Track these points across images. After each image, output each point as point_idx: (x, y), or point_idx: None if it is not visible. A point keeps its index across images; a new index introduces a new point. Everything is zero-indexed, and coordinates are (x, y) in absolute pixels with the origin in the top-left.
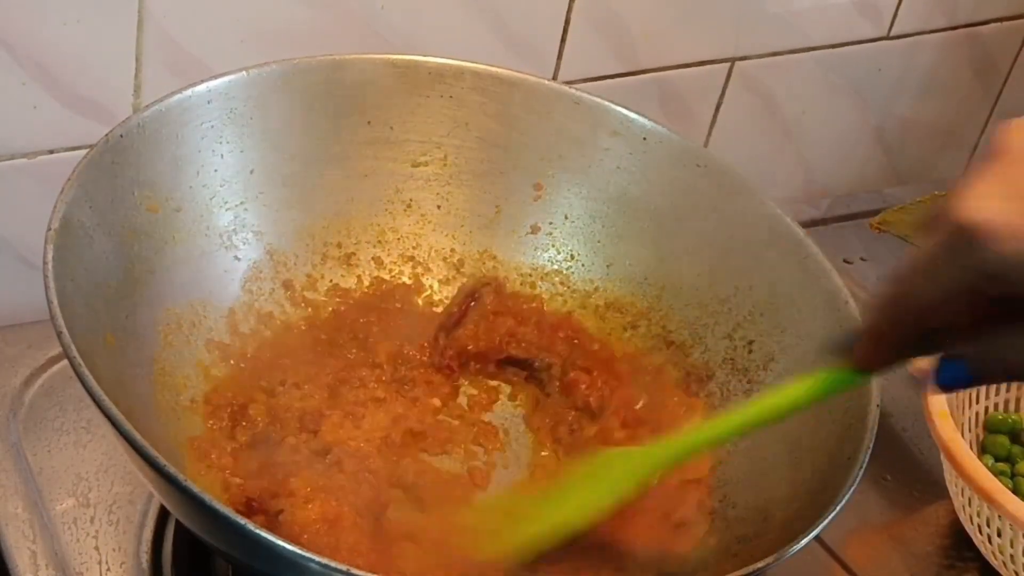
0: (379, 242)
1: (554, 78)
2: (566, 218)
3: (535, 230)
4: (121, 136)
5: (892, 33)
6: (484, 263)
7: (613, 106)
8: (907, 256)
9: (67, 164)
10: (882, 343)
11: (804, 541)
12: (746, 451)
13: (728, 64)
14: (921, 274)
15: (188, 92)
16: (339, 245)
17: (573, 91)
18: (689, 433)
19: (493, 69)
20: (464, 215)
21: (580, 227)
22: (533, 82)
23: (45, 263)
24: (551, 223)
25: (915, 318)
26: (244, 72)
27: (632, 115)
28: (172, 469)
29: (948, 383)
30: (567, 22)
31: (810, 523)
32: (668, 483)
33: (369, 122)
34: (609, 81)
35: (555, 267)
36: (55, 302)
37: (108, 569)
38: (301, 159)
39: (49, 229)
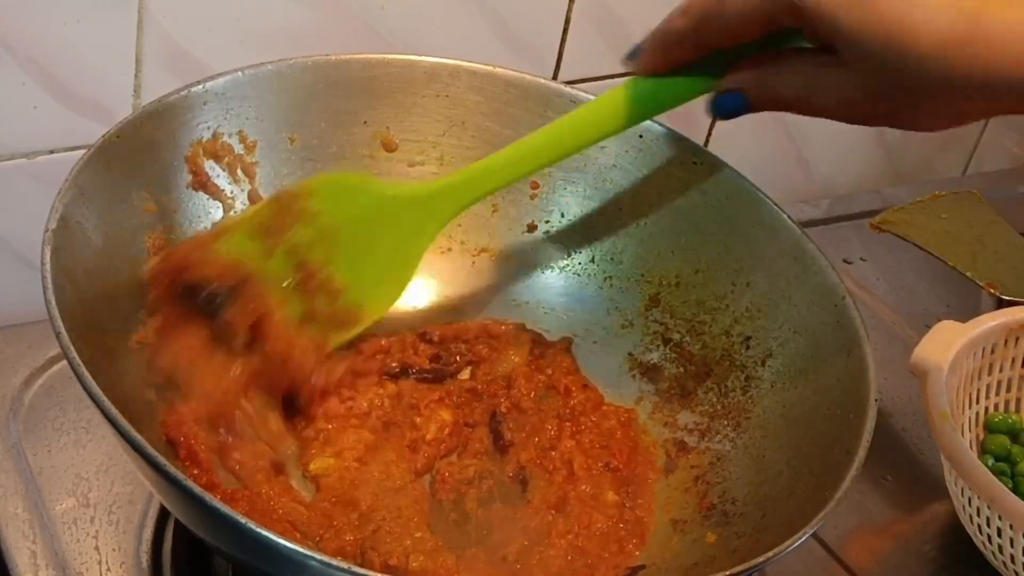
0: None
1: (554, 78)
2: (563, 216)
3: (532, 228)
4: (118, 136)
5: None
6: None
7: None
8: None
9: (67, 164)
10: (669, 48)
11: (803, 537)
12: (745, 447)
13: None
14: None
15: (185, 92)
16: None
17: (569, 89)
18: (487, 161)
19: (488, 68)
20: (461, 214)
21: (577, 225)
22: (528, 81)
23: (43, 263)
24: (548, 221)
25: (712, 29)
26: (240, 72)
27: None
28: (172, 469)
29: (726, 111)
30: (567, 22)
31: (809, 519)
32: None
33: (365, 122)
34: (609, 81)
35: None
36: (53, 303)
37: (108, 569)
38: (298, 159)
39: (47, 230)
